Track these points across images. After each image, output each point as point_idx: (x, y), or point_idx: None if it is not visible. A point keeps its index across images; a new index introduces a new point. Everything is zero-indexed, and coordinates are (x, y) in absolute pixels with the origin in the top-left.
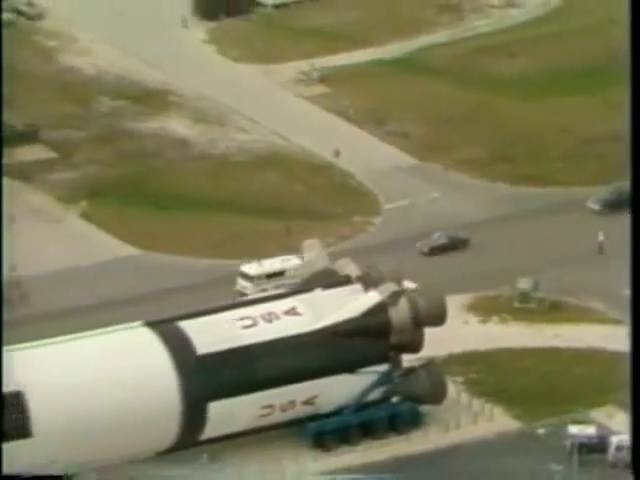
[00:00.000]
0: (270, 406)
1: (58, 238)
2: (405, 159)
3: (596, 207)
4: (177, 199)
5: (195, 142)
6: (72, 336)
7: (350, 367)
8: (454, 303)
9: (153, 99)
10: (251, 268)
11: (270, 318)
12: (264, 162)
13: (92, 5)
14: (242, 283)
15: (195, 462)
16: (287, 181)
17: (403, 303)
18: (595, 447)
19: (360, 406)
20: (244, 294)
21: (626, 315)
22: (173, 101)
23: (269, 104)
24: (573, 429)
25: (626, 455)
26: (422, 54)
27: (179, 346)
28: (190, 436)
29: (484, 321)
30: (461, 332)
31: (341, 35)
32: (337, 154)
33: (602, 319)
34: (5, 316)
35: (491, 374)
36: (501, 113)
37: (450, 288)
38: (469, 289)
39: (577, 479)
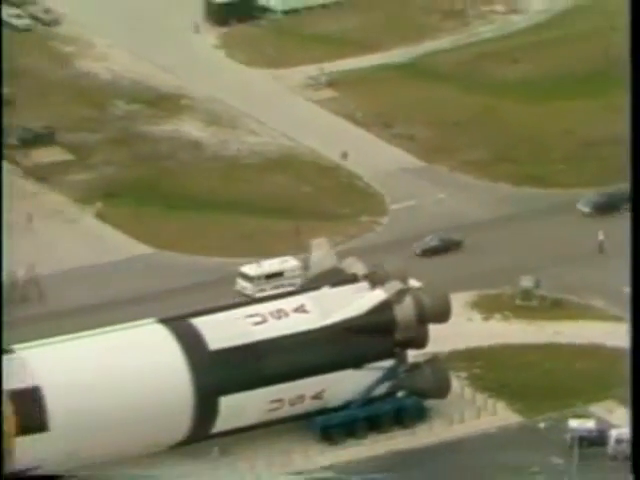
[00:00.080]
0: (279, 400)
1: (74, 237)
2: (411, 161)
3: (586, 209)
4: (190, 200)
5: (207, 144)
6: (88, 332)
7: (357, 363)
8: (458, 301)
9: (166, 103)
10: (251, 269)
11: (279, 315)
12: (274, 164)
13: (107, 11)
14: (242, 283)
15: (206, 456)
16: (296, 182)
17: (408, 301)
18: (595, 440)
19: (366, 400)
20: (244, 294)
21: (626, 312)
22: (186, 105)
23: (279, 108)
24: (573, 423)
25: (626, 448)
26: (427, 59)
27: (191, 342)
28: (202, 430)
29: (487, 318)
30: (465, 329)
31: (349, 41)
32: (345, 156)
33: (602, 316)
34: (23, 313)
35: (494, 370)
36: (505, 116)
37: (454, 286)
38: (473, 287)
39: (578, 471)
